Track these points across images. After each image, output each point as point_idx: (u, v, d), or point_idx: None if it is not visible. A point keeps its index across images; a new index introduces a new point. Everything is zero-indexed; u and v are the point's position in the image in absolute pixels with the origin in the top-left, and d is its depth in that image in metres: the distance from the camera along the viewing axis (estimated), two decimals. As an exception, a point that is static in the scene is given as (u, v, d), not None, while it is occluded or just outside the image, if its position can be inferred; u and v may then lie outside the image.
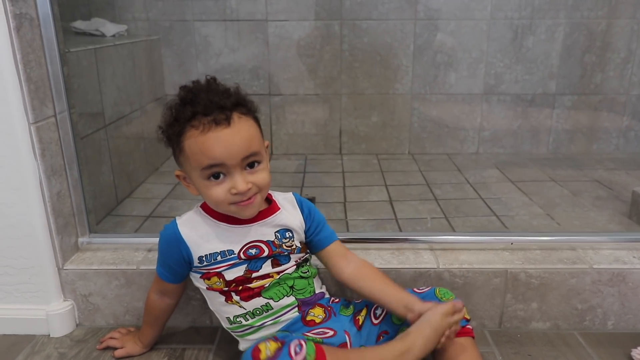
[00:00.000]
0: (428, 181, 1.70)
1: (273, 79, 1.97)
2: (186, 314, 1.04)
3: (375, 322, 0.86)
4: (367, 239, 1.09)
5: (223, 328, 0.89)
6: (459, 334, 0.83)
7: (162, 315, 0.94)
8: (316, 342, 0.73)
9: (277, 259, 0.84)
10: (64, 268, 1.02)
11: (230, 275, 0.83)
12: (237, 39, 1.92)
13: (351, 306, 0.90)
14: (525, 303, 1.02)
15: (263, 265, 0.83)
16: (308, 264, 0.90)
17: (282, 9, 1.89)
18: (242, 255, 0.82)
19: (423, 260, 1.02)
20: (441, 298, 0.84)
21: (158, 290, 0.91)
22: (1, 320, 1.02)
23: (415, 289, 0.87)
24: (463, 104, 2.00)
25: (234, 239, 0.83)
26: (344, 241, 1.00)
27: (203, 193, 0.79)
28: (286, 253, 0.85)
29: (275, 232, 0.85)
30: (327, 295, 0.90)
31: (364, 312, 0.88)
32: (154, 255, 1.01)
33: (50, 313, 1.01)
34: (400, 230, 1.32)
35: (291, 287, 0.85)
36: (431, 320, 0.77)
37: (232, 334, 0.88)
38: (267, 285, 0.83)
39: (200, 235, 0.83)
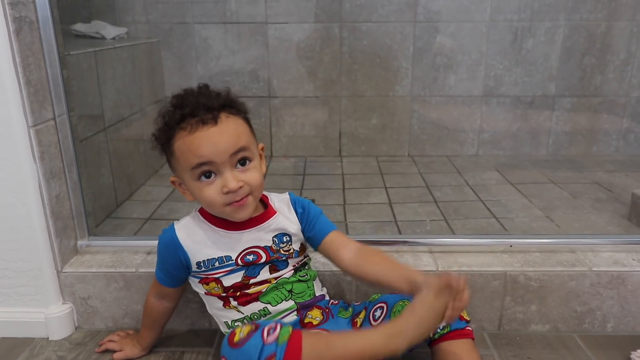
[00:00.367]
0: (428, 183, 1.70)
1: (273, 81, 1.97)
2: (185, 316, 1.04)
3: (374, 324, 0.85)
4: (367, 241, 1.08)
5: (222, 332, 0.89)
6: (459, 335, 0.83)
7: (161, 318, 0.94)
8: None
9: (275, 265, 0.84)
10: (63, 271, 1.02)
11: (228, 281, 0.83)
12: (237, 41, 1.92)
13: (350, 308, 0.90)
14: (524, 305, 1.01)
15: (261, 272, 0.83)
16: (307, 267, 0.90)
17: (282, 12, 1.89)
18: (239, 262, 0.82)
19: (422, 262, 1.02)
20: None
21: (157, 293, 0.91)
22: (0, 323, 1.02)
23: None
24: (463, 106, 2.00)
25: (232, 245, 0.82)
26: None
27: (197, 195, 0.79)
28: (284, 258, 0.85)
29: (272, 237, 0.84)
30: (327, 298, 0.90)
31: (362, 315, 0.87)
32: (153, 258, 1.01)
33: (49, 316, 1.01)
34: (400, 233, 1.32)
35: (290, 291, 0.84)
36: (424, 299, 0.70)
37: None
38: (264, 290, 0.83)
39: (198, 241, 0.83)
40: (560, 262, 1.01)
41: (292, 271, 0.86)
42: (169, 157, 0.80)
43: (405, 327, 0.69)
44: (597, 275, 0.99)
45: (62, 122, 1.00)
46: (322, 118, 2.01)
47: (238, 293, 0.83)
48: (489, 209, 1.46)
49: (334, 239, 0.86)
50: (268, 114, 2.00)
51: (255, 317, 0.83)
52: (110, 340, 0.97)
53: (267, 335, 0.66)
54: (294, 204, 0.88)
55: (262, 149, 0.83)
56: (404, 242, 1.08)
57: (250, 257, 0.83)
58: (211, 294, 0.85)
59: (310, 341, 0.67)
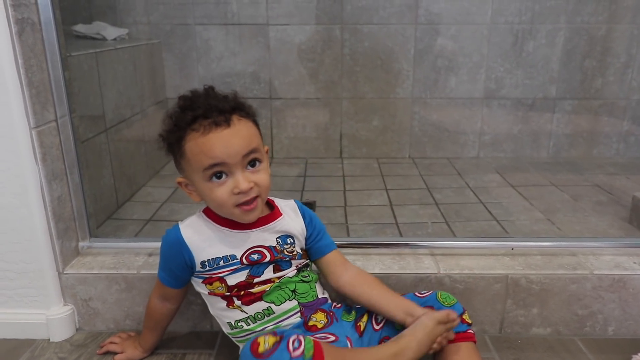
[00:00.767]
0: (428, 185, 1.70)
1: (274, 83, 1.97)
2: (187, 318, 1.04)
3: (377, 327, 0.86)
4: (368, 244, 1.09)
5: (223, 333, 0.89)
6: (460, 338, 0.83)
7: (163, 319, 0.93)
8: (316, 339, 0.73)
9: (279, 265, 0.85)
10: (65, 272, 1.02)
11: (232, 280, 0.83)
12: (238, 43, 1.93)
13: (353, 312, 0.90)
14: (525, 309, 1.01)
15: (265, 271, 0.83)
16: (309, 269, 0.90)
17: (283, 13, 1.89)
18: (244, 261, 0.82)
19: (424, 265, 1.02)
20: (443, 302, 0.84)
21: (159, 294, 0.91)
22: (1, 324, 1.02)
23: (417, 293, 0.87)
24: (463, 108, 2.00)
25: (236, 244, 0.83)
26: (344, 246, 1.00)
27: (206, 196, 0.80)
28: (287, 259, 0.85)
29: (276, 238, 0.85)
30: (329, 301, 0.90)
31: (365, 318, 0.88)
32: (155, 260, 1.01)
33: (50, 317, 1.01)
34: (401, 235, 1.32)
35: (293, 291, 0.85)
36: (425, 325, 0.78)
37: (233, 339, 0.88)
38: (268, 289, 0.83)
39: (203, 240, 0.83)
40: (561, 265, 1.02)
41: (295, 271, 0.86)
42: (179, 158, 0.81)
43: (408, 347, 0.77)
44: (598, 278, 0.99)
45: (64, 123, 1.00)
46: (323, 120, 2.02)
47: (242, 292, 0.83)
48: (489, 212, 1.46)
49: (335, 258, 0.91)
50: (269, 115, 2.00)
51: (259, 317, 0.83)
52: (111, 342, 0.97)
53: (294, 350, 0.68)
54: (302, 211, 0.90)
55: (267, 151, 0.84)
56: (406, 245, 1.08)
57: (255, 256, 0.83)
58: (214, 294, 0.85)
59: (331, 356, 0.71)
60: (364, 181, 1.77)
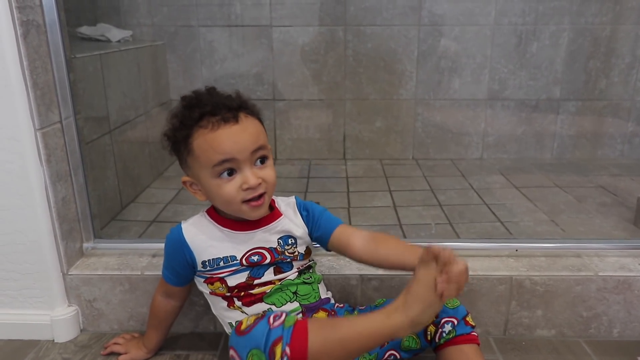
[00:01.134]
0: (432, 187, 1.70)
1: (277, 84, 1.97)
2: (190, 319, 1.04)
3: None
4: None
5: (227, 334, 0.89)
6: (464, 340, 0.82)
7: (167, 317, 0.94)
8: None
9: (280, 267, 0.85)
10: (69, 273, 1.02)
11: (232, 281, 0.83)
12: (242, 44, 1.93)
13: (355, 312, 0.89)
14: (530, 310, 1.01)
15: (265, 273, 0.83)
16: (311, 270, 0.89)
17: (286, 15, 1.90)
18: (244, 262, 0.82)
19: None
20: (446, 303, 0.84)
21: (163, 292, 0.91)
22: (6, 325, 1.02)
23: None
24: (467, 109, 2.00)
25: (237, 245, 0.83)
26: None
27: (214, 193, 0.79)
28: (288, 260, 0.85)
29: (278, 239, 0.85)
30: (332, 301, 0.90)
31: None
32: (159, 261, 1.01)
33: (54, 318, 1.01)
34: (405, 236, 1.32)
35: (294, 293, 0.84)
36: (415, 274, 0.71)
37: (236, 340, 0.88)
38: (268, 291, 0.83)
39: (204, 240, 0.83)
40: (566, 267, 1.01)
41: (296, 273, 0.86)
42: (185, 156, 0.80)
43: (403, 303, 0.70)
44: (603, 280, 0.99)
45: (69, 125, 1.00)
46: (327, 121, 2.02)
47: (242, 293, 0.83)
48: (493, 213, 1.46)
49: (343, 231, 0.87)
50: (272, 116, 2.00)
51: (260, 318, 0.83)
52: (115, 343, 0.98)
53: (274, 321, 0.69)
54: (299, 207, 0.89)
55: (270, 151, 0.84)
56: (409, 246, 1.07)
57: (255, 258, 0.83)
58: (216, 294, 0.85)
59: (316, 324, 0.70)
60: (367, 182, 1.76)
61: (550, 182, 1.74)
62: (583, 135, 2.02)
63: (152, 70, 1.81)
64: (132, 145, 1.59)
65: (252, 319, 0.72)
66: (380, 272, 1.00)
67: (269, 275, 0.83)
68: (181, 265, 0.85)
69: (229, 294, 0.84)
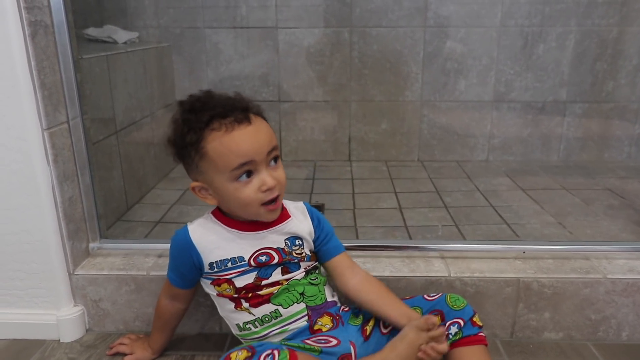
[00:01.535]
0: (438, 188, 1.70)
1: (283, 86, 1.97)
2: (195, 320, 1.04)
3: (385, 331, 0.85)
4: (377, 246, 1.08)
5: (233, 335, 0.89)
6: (472, 341, 0.82)
7: (172, 319, 0.94)
8: (294, 349, 0.72)
9: (287, 267, 0.84)
10: (75, 273, 1.03)
11: (240, 282, 0.82)
12: (248, 46, 1.93)
13: (361, 315, 0.89)
14: (537, 313, 1.00)
15: (273, 273, 0.83)
16: (317, 271, 0.89)
17: (292, 17, 1.90)
18: (252, 263, 0.82)
19: (434, 268, 1.01)
20: (452, 305, 0.84)
21: (168, 294, 0.91)
22: (12, 324, 1.02)
23: (426, 296, 0.87)
24: (473, 111, 1.99)
25: (245, 246, 0.83)
26: (353, 248, 1.00)
27: (231, 197, 0.79)
28: (296, 261, 0.85)
29: (285, 240, 0.84)
30: (338, 304, 0.89)
31: (372, 322, 0.87)
32: (164, 261, 1.01)
33: (60, 318, 1.01)
34: (410, 238, 1.31)
35: (301, 294, 0.84)
36: (406, 334, 0.77)
37: (242, 340, 0.88)
38: (276, 291, 0.83)
39: (211, 242, 0.83)
40: (574, 269, 1.00)
41: (304, 273, 0.85)
42: (197, 161, 0.78)
43: (386, 357, 0.75)
44: (611, 282, 0.98)
45: (76, 125, 1.01)
46: (332, 122, 2.01)
47: (250, 294, 0.82)
48: (500, 215, 1.45)
49: (342, 261, 0.90)
50: (278, 118, 2.00)
51: (267, 319, 0.83)
52: (121, 343, 0.98)
53: None
54: (310, 213, 0.89)
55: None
56: (416, 248, 1.07)
57: (263, 258, 0.83)
58: (223, 296, 0.84)
59: None
60: (372, 184, 1.76)
61: (556, 184, 1.73)
62: (590, 137, 2.01)
63: (158, 71, 1.82)
64: (137, 146, 1.60)
65: (241, 357, 0.69)
66: (387, 273, 1.00)
67: (276, 275, 0.83)
68: (187, 267, 0.84)
69: (236, 296, 0.83)
